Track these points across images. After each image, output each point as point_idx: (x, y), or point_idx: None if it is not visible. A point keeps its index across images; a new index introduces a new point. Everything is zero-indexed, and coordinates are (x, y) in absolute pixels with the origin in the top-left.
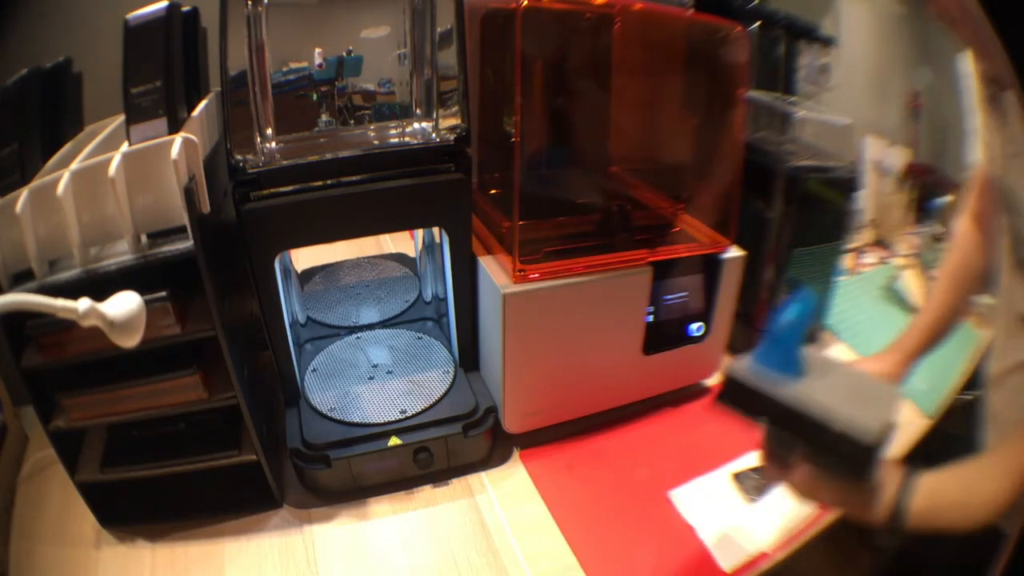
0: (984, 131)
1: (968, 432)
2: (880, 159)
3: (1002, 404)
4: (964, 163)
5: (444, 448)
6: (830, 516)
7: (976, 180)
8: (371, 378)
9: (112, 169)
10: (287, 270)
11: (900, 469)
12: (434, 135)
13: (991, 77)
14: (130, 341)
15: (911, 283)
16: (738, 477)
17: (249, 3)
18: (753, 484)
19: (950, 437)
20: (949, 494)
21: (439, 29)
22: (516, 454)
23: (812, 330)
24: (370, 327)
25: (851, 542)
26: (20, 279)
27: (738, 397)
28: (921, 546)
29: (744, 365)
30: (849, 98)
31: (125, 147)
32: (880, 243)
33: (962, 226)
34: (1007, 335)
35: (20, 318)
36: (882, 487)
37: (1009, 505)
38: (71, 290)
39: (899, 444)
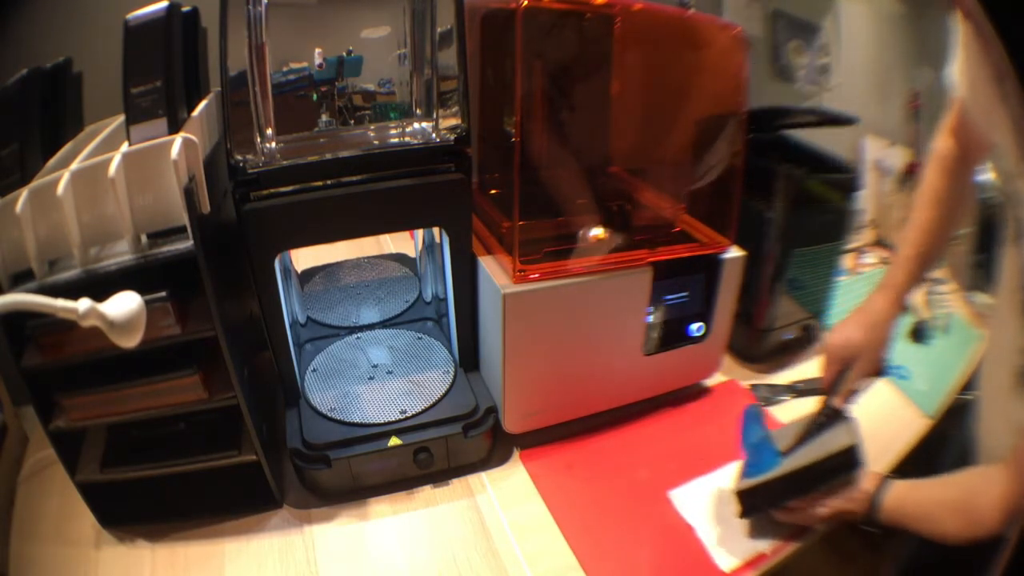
0: (963, 61)
1: (961, 442)
2: (880, 159)
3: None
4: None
5: (444, 448)
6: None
7: (956, 102)
8: (371, 378)
9: (112, 169)
10: (287, 270)
11: (878, 475)
12: (434, 135)
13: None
14: (130, 341)
15: None
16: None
17: (249, 3)
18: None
19: (950, 437)
20: (911, 506)
21: (439, 29)
22: (516, 454)
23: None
24: (370, 327)
25: (851, 542)
26: (20, 279)
27: (757, 503)
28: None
29: (743, 482)
30: (849, 98)
31: (125, 147)
32: (880, 243)
33: (941, 144)
34: (999, 390)
35: (20, 318)
36: (863, 487)
37: (963, 536)
38: (71, 290)
39: (899, 444)
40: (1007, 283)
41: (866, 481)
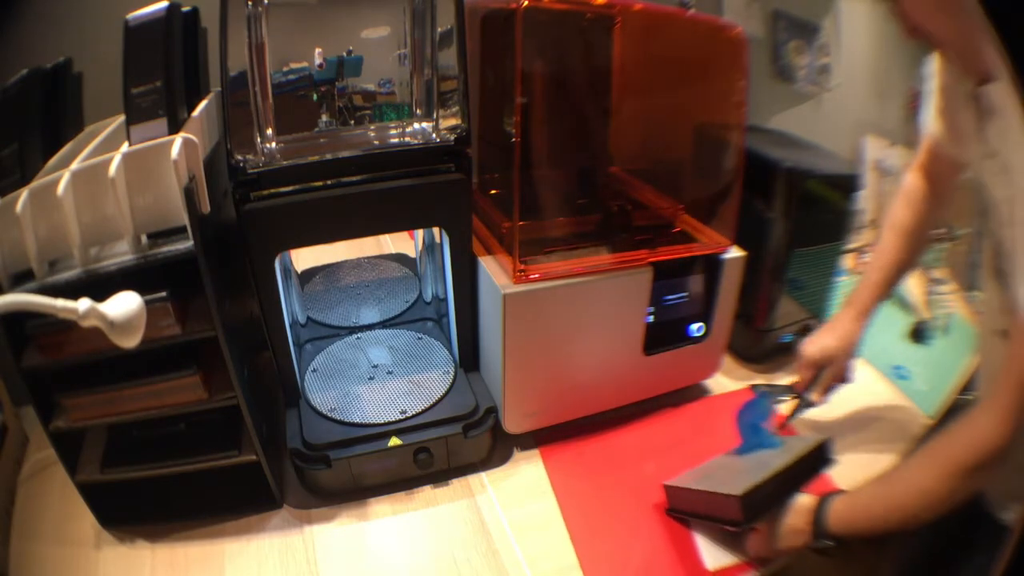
0: (939, 98)
1: None
2: (880, 159)
3: None
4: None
5: (444, 448)
6: None
7: (928, 139)
8: (371, 378)
9: (112, 169)
10: (287, 270)
11: (813, 497)
12: (434, 135)
13: (973, 76)
14: (130, 341)
15: (911, 284)
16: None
17: (249, 3)
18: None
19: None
20: (865, 500)
21: (439, 29)
22: (516, 454)
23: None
24: (370, 327)
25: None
26: (20, 279)
27: (677, 503)
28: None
29: (679, 478)
30: (849, 98)
31: (125, 147)
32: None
33: (910, 180)
34: (990, 351)
35: (20, 318)
36: (802, 505)
37: (927, 509)
38: (71, 290)
39: (899, 445)
40: (985, 257)
41: (800, 501)
